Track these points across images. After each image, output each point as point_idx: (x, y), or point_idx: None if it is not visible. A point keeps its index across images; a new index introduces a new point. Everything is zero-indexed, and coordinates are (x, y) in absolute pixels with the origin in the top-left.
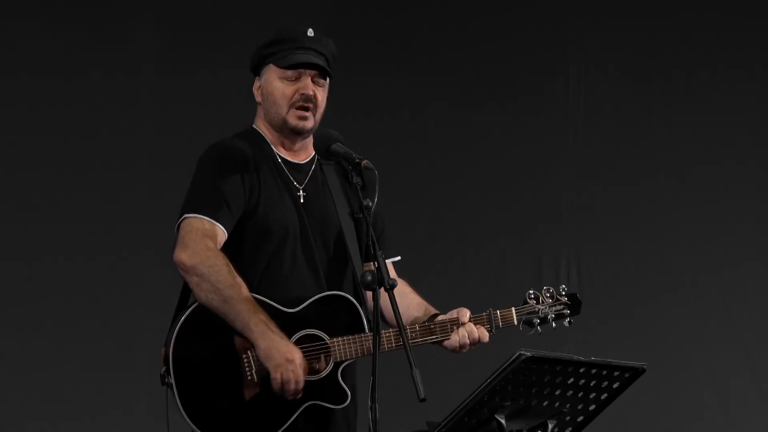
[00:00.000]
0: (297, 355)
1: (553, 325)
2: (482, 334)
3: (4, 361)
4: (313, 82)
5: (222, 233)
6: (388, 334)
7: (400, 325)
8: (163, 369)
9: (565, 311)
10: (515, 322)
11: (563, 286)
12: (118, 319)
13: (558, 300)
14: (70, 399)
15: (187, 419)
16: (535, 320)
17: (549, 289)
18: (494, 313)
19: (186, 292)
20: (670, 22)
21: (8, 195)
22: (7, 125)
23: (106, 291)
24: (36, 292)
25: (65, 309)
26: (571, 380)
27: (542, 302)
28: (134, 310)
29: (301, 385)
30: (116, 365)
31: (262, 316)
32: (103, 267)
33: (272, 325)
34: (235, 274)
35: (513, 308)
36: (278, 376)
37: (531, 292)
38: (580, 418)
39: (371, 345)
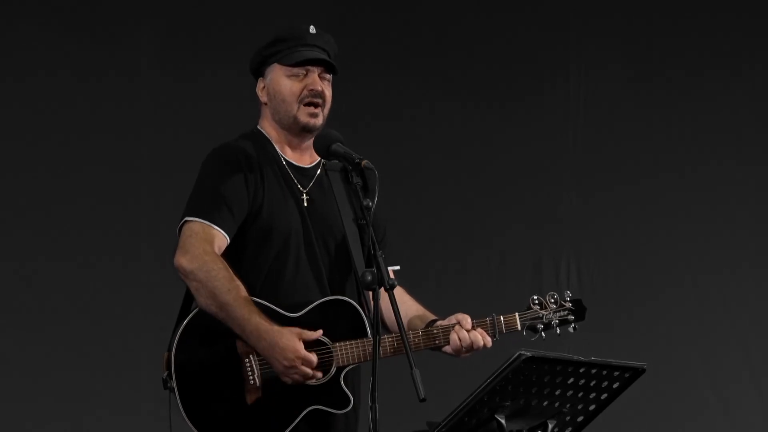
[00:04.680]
0: (294, 354)
1: (558, 331)
2: (486, 339)
3: (4, 361)
4: (319, 77)
5: (223, 237)
6: (390, 339)
7: (399, 325)
8: (165, 374)
9: (569, 317)
10: (519, 328)
11: (568, 291)
12: (119, 320)
13: (562, 306)
14: (70, 400)
15: (189, 424)
16: (539, 326)
17: (553, 294)
18: (497, 319)
19: (189, 296)
20: (669, 23)
21: (8, 195)
22: (6, 125)
23: (106, 292)
24: (36, 292)
25: (66, 310)
26: (571, 380)
27: (546, 308)
28: (135, 311)
29: (310, 375)
30: (117, 366)
31: (256, 323)
32: (103, 268)
33: (266, 329)
34: (234, 278)
35: (517, 314)
36: (287, 381)
37: (535, 297)
38: (580, 418)
39: (373, 356)
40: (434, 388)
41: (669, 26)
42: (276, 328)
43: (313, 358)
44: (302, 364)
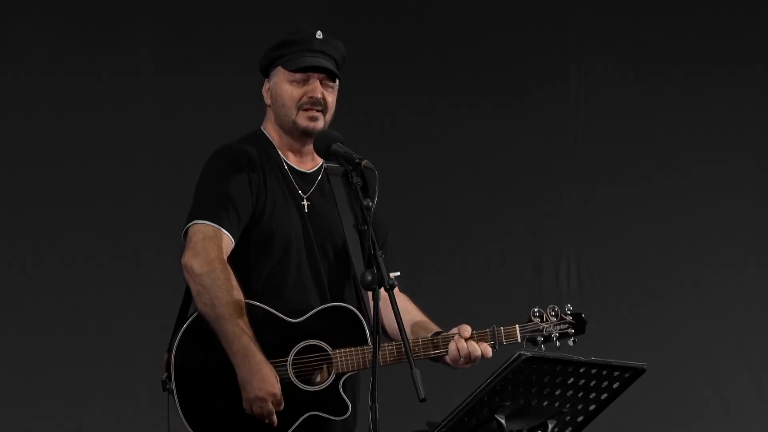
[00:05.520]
0: (270, 390)
1: (557, 344)
2: (485, 349)
3: (4, 361)
4: (322, 84)
5: (230, 241)
6: (390, 348)
7: (399, 324)
8: (165, 375)
9: (569, 330)
10: (519, 340)
11: (569, 305)
12: (119, 320)
13: (563, 319)
14: (70, 400)
15: (187, 426)
16: (539, 338)
17: (554, 307)
18: (498, 330)
19: (188, 297)
20: (670, 22)
21: (8, 195)
22: (6, 125)
23: (106, 292)
24: (37, 292)
25: (66, 310)
26: (571, 380)
27: (546, 320)
28: (135, 311)
29: (272, 419)
30: (117, 366)
31: (245, 343)
32: (103, 268)
33: (253, 353)
34: (236, 291)
35: (517, 325)
36: (249, 409)
37: (536, 309)
38: (580, 418)
39: (373, 356)
40: (434, 388)
41: (669, 26)
42: (261, 357)
43: (282, 402)
44: (271, 403)
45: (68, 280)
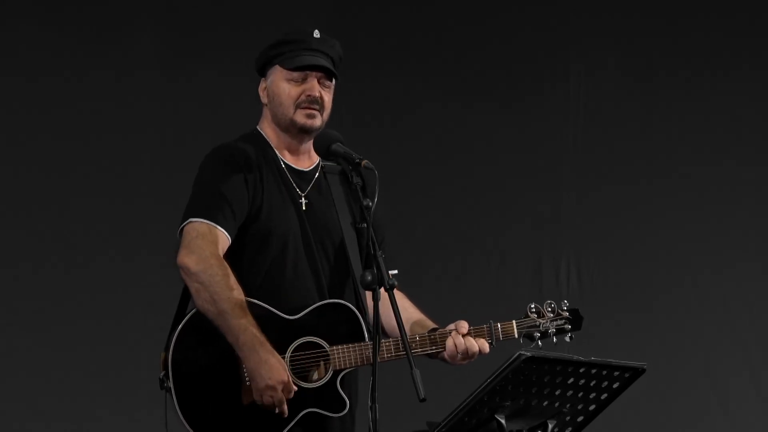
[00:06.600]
0: (279, 378)
1: (554, 339)
2: (482, 345)
3: (4, 361)
4: (319, 83)
5: (226, 239)
6: (387, 344)
7: (399, 324)
8: (162, 373)
9: (566, 326)
10: (516, 336)
11: (565, 301)
12: (118, 320)
13: (559, 315)
14: (69, 399)
15: (185, 423)
16: (535, 334)
17: (551, 303)
18: (495, 326)
19: (186, 296)
20: (670, 22)
21: (8, 196)
22: (6, 126)
23: (106, 292)
24: (36, 292)
25: (66, 310)
26: (571, 380)
27: (543, 316)
28: (135, 311)
29: (283, 407)
30: (117, 366)
31: (252, 335)
32: (103, 268)
33: (261, 343)
34: (234, 286)
35: (514, 321)
36: (259, 399)
37: (532, 305)
38: (580, 418)
39: (371, 354)
40: (434, 388)
41: (669, 26)
42: (269, 347)
43: (294, 389)
44: (282, 391)
45: (67, 279)
